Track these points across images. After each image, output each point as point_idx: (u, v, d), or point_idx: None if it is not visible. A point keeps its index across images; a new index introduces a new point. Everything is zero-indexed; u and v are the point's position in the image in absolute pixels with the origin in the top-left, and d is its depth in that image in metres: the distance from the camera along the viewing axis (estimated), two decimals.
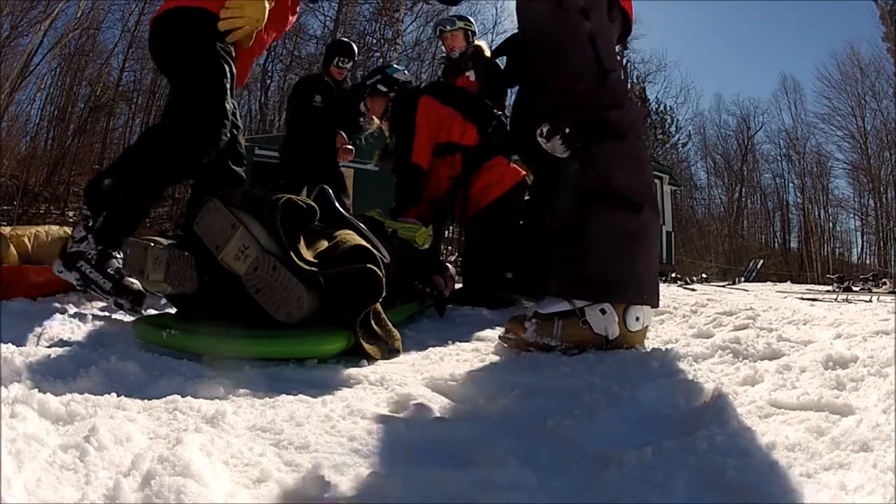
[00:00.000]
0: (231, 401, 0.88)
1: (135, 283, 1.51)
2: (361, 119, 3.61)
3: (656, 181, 11.31)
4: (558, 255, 1.29)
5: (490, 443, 0.71)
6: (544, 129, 1.30)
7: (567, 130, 1.27)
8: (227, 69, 1.62)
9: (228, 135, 1.62)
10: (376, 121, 2.88)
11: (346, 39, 4.75)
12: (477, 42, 3.31)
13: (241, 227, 1.20)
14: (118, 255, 1.54)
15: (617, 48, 1.40)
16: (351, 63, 4.00)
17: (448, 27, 3.32)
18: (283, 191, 1.30)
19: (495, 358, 1.24)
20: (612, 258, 1.21)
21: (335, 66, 3.90)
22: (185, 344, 1.15)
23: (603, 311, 1.20)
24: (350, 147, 3.95)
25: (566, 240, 1.27)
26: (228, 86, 1.61)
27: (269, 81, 20.33)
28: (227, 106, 1.60)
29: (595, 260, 1.22)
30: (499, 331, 1.54)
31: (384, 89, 2.75)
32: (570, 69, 1.27)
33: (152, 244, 1.22)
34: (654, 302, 1.25)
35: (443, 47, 3.45)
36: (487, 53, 3.12)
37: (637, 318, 1.23)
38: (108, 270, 1.50)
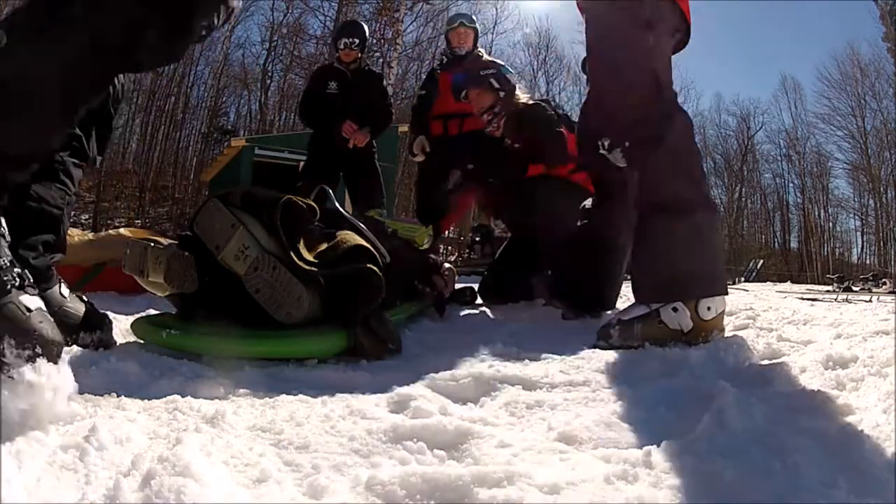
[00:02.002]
0: (231, 401, 0.88)
1: None
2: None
3: None
4: (634, 266, 1.46)
5: (490, 442, 0.71)
6: (605, 143, 1.44)
7: (627, 144, 1.40)
8: None
9: None
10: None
11: (350, 19, 4.41)
12: (479, 49, 3.41)
13: (241, 227, 1.21)
14: None
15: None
16: (360, 42, 3.69)
17: (467, 22, 3.42)
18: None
19: (495, 357, 1.24)
20: (676, 261, 1.35)
21: (342, 50, 3.67)
22: (185, 344, 1.16)
23: (675, 310, 1.33)
24: (358, 129, 3.56)
25: (636, 251, 1.45)
26: None
27: (269, 81, 20.40)
28: None
29: (662, 265, 1.37)
30: (498, 330, 1.60)
31: (497, 86, 2.56)
32: (629, 87, 1.39)
33: (152, 244, 1.21)
34: (720, 291, 1.36)
35: (449, 39, 3.46)
36: (486, 58, 3.14)
37: (709, 308, 1.33)
38: None
